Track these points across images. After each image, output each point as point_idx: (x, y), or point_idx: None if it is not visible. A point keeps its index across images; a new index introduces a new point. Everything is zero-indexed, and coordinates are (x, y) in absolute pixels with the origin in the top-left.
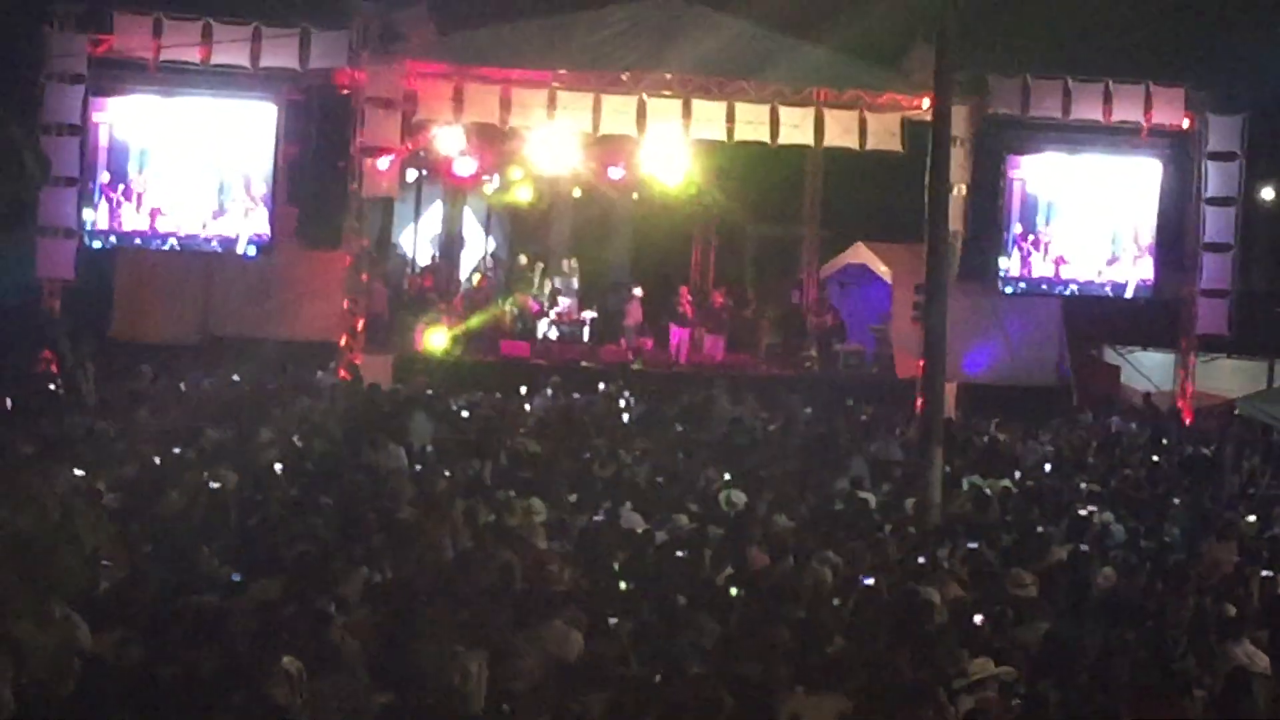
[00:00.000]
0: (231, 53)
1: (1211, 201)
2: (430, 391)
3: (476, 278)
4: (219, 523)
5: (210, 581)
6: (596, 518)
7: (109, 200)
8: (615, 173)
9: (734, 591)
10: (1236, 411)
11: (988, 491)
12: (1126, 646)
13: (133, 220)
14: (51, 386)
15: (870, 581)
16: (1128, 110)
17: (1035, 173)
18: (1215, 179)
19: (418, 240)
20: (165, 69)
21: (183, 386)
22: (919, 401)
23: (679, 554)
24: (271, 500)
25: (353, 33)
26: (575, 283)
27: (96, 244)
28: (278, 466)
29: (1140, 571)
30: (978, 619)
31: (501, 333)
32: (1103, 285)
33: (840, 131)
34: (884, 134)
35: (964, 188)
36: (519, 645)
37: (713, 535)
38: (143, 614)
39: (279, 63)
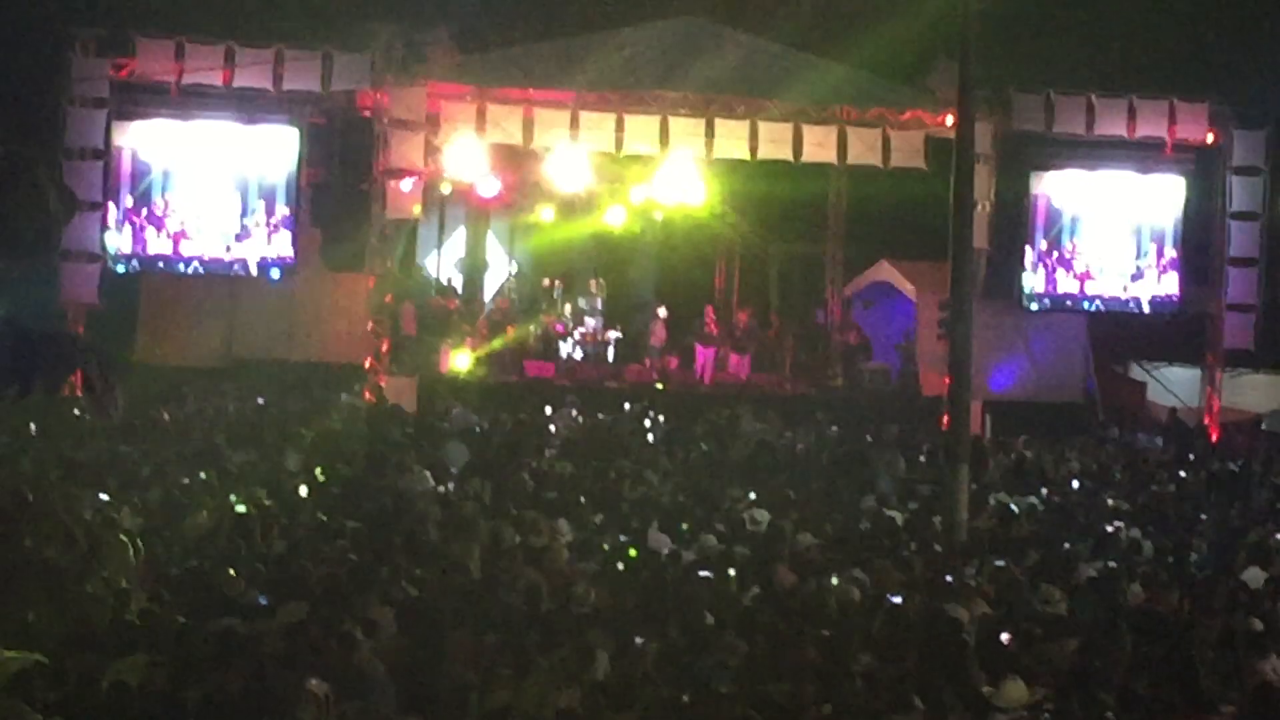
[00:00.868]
0: (254, 76)
1: (1236, 216)
2: (455, 412)
3: (500, 299)
4: (245, 546)
5: (237, 605)
6: (623, 538)
7: (132, 224)
8: (638, 192)
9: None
10: (1263, 426)
11: (1014, 509)
12: (1154, 663)
13: (156, 244)
14: (76, 411)
15: (898, 600)
16: (1152, 125)
17: (1059, 189)
18: (1240, 193)
19: (441, 262)
20: (188, 92)
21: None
22: (944, 419)
23: (705, 574)
24: (297, 523)
25: (375, 55)
26: (600, 303)
27: (120, 268)
28: (303, 489)
29: (1168, 588)
30: (1005, 637)
31: (526, 353)
32: (1128, 301)
33: (863, 149)
34: (907, 151)
35: (988, 204)
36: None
37: (739, 555)
38: (169, 638)
39: (301, 85)
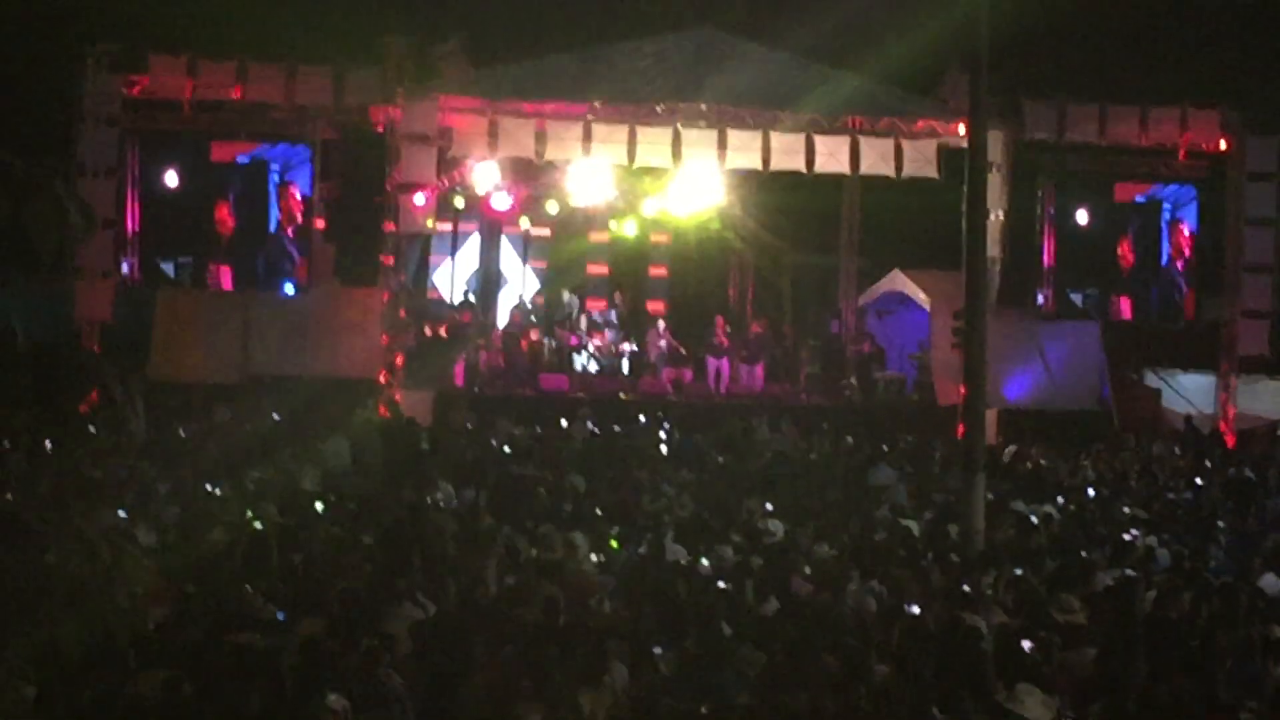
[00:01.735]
0: (266, 91)
1: (1250, 222)
2: (470, 426)
3: (514, 312)
4: (262, 561)
5: (255, 620)
6: (640, 550)
7: (146, 240)
8: (651, 204)
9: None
10: (1279, 432)
11: (1032, 517)
12: (1173, 671)
13: (170, 260)
14: (92, 429)
15: (916, 610)
16: (1164, 133)
17: (1072, 196)
18: (1253, 200)
19: (455, 275)
20: (200, 108)
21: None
22: (960, 428)
23: (722, 585)
24: (315, 538)
25: (387, 69)
26: (614, 315)
27: (134, 285)
28: (319, 505)
29: (1185, 595)
30: (1026, 645)
31: (541, 366)
32: (1142, 308)
33: (876, 159)
34: (920, 161)
35: (1001, 213)
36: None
37: (756, 566)
38: (188, 653)
39: (313, 101)
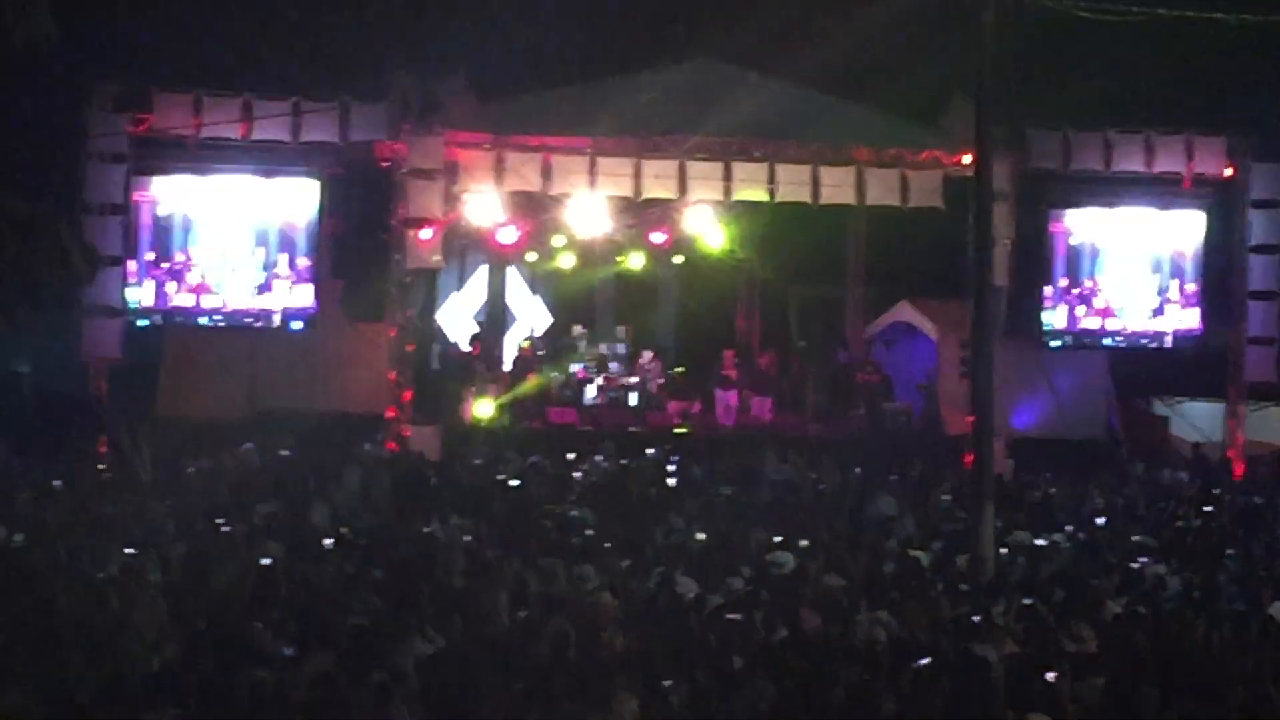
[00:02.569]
0: (272, 128)
1: (1256, 249)
2: (478, 461)
3: (524, 345)
4: (271, 597)
5: (264, 656)
6: (650, 583)
7: (154, 278)
8: (657, 237)
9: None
10: None
11: (1041, 547)
12: (1185, 699)
13: (178, 297)
14: (100, 467)
15: (926, 641)
16: (1170, 161)
17: (1078, 225)
18: (1260, 227)
19: (463, 310)
20: (206, 146)
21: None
22: (968, 458)
23: (732, 616)
24: (324, 573)
25: (392, 105)
26: (622, 349)
27: (142, 322)
28: (328, 540)
29: (1195, 623)
30: (1050, 676)
31: (549, 400)
32: (1149, 336)
33: (882, 190)
34: (926, 191)
35: (1007, 242)
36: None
37: (765, 597)
38: (198, 690)
39: (319, 137)
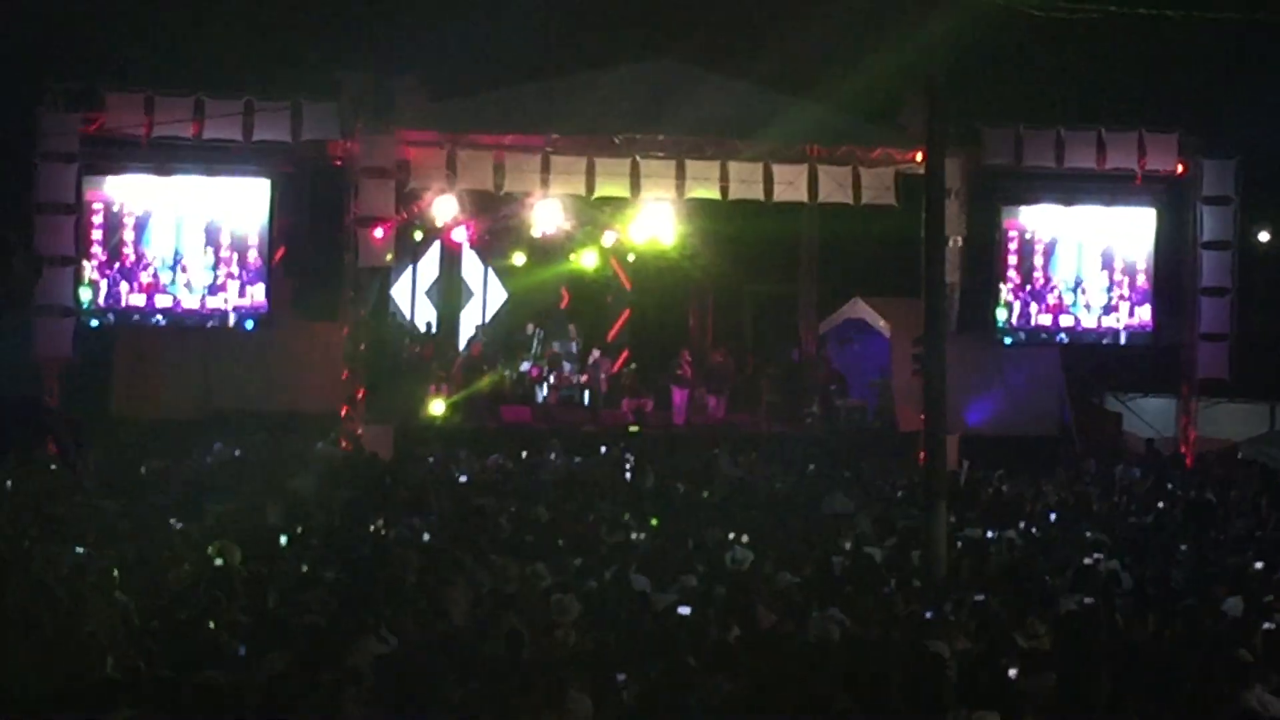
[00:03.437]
0: (223, 127)
1: (1208, 246)
2: (431, 459)
3: (473, 344)
4: (225, 597)
5: (218, 656)
6: (603, 581)
7: (105, 277)
8: (610, 235)
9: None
10: (1239, 455)
11: (994, 542)
12: (1136, 695)
13: (130, 297)
14: (52, 466)
15: (879, 637)
16: (1121, 158)
17: (1031, 222)
18: (1211, 223)
19: (415, 307)
20: (158, 145)
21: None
22: (922, 455)
23: (684, 611)
24: (277, 573)
25: (344, 104)
26: (575, 347)
27: (94, 322)
28: (282, 539)
29: (1148, 619)
30: (1012, 673)
31: (502, 398)
32: (1101, 333)
33: (834, 187)
34: (878, 188)
35: (960, 239)
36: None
37: (719, 595)
38: (152, 691)
39: (271, 136)
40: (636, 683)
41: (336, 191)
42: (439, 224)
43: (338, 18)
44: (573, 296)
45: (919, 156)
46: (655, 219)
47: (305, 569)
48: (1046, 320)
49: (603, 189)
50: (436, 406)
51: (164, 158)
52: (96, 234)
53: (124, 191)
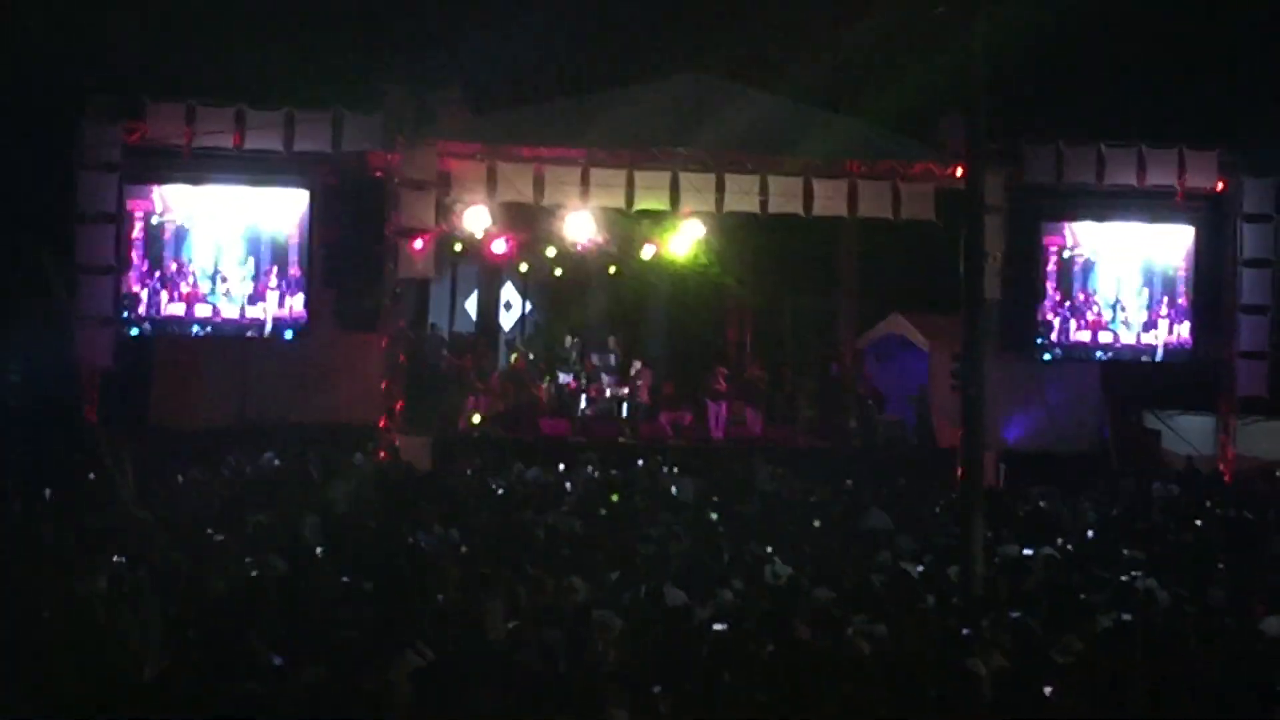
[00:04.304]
0: (264, 138)
1: (1248, 264)
2: (469, 471)
3: (514, 357)
4: (262, 608)
5: (255, 668)
6: (639, 594)
7: (146, 287)
8: (649, 249)
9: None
10: (1279, 474)
11: (1031, 559)
12: (1173, 713)
13: (170, 306)
14: (91, 476)
15: (915, 654)
16: (1161, 175)
17: (1070, 239)
18: (1251, 241)
19: (454, 320)
20: (199, 155)
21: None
22: (960, 470)
23: (720, 627)
24: (315, 584)
25: (385, 116)
26: (614, 360)
27: (134, 331)
28: (319, 550)
29: (1185, 638)
30: (1048, 690)
31: (540, 411)
32: (1140, 350)
33: (874, 203)
34: (918, 204)
35: (999, 256)
36: None
37: (756, 609)
38: (188, 702)
39: (312, 147)
40: (673, 697)
41: (376, 203)
42: (477, 236)
43: (379, 30)
44: (612, 309)
45: (959, 172)
46: (694, 232)
47: (343, 580)
48: (1085, 337)
49: (642, 202)
50: (475, 418)
51: (205, 168)
52: (137, 244)
53: (165, 201)
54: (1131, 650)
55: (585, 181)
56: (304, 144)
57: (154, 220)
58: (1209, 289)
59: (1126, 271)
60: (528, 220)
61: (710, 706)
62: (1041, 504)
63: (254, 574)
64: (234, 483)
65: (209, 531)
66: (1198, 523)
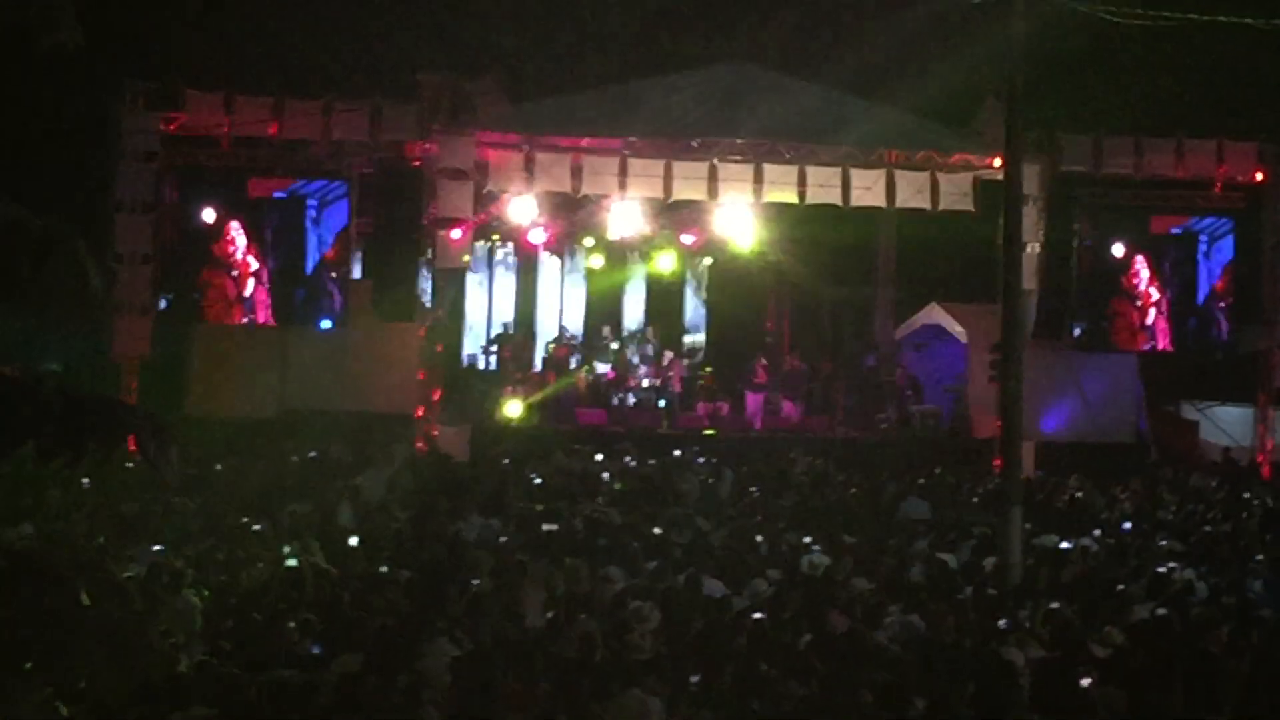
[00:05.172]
0: (302, 127)
1: None
2: (506, 461)
3: (552, 346)
4: (299, 597)
5: (292, 656)
6: (676, 584)
7: (183, 276)
8: (688, 238)
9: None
10: None
11: (1069, 550)
12: (1210, 704)
13: (208, 295)
14: (129, 464)
15: (952, 644)
16: (1200, 166)
17: (1109, 229)
18: None
19: (493, 310)
20: (237, 144)
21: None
22: (997, 461)
23: (758, 616)
24: (352, 574)
25: (423, 105)
26: (651, 349)
27: (172, 320)
28: (354, 540)
29: (1224, 628)
30: (1086, 681)
31: (578, 401)
32: (1178, 340)
33: (912, 192)
34: (956, 194)
35: (1037, 246)
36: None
37: (793, 599)
38: (225, 690)
39: (350, 136)
40: (709, 686)
41: (414, 192)
42: (517, 226)
43: (417, 19)
44: (650, 299)
45: (997, 162)
46: (733, 222)
47: (379, 570)
48: (1123, 327)
49: (680, 192)
50: (513, 408)
51: (243, 157)
52: (175, 232)
53: (202, 190)
54: (1169, 641)
55: (623, 171)
56: (342, 134)
57: (191, 208)
58: (1248, 280)
59: (1164, 262)
60: (567, 209)
61: (747, 696)
62: (1079, 495)
63: (290, 563)
64: (272, 471)
65: (246, 521)
66: (1236, 514)
